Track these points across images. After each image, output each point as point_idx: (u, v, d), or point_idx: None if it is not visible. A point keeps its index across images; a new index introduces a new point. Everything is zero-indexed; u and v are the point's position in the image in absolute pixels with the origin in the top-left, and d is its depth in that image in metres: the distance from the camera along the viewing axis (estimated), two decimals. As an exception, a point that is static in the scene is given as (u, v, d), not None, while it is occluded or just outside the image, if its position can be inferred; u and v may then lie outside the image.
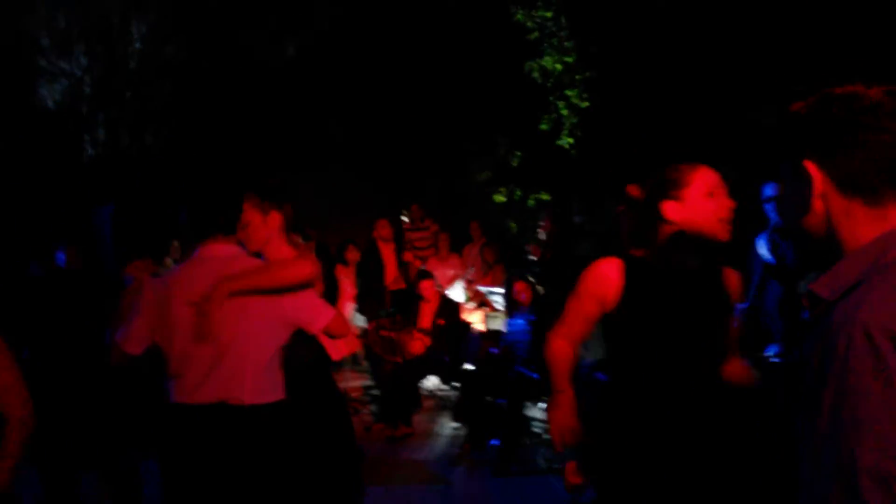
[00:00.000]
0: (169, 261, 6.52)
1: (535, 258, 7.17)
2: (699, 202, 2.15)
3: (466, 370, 6.02)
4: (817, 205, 1.16)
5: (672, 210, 2.16)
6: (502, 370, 5.67)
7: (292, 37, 11.52)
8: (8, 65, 9.86)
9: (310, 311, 2.68)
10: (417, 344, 6.43)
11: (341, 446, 3.34)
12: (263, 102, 10.65)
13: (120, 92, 11.20)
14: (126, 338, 2.52)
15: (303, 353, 2.79)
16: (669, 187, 2.19)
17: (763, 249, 5.00)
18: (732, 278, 2.30)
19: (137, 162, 10.95)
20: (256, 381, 2.50)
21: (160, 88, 11.29)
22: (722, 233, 2.15)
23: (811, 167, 1.14)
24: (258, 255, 2.92)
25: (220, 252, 2.53)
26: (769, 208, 5.02)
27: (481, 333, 6.85)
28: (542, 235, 7.14)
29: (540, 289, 6.16)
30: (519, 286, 5.93)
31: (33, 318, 3.66)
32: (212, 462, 2.49)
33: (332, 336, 2.94)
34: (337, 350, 3.63)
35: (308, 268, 2.66)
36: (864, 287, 1.06)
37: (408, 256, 8.86)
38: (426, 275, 6.92)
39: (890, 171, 1.12)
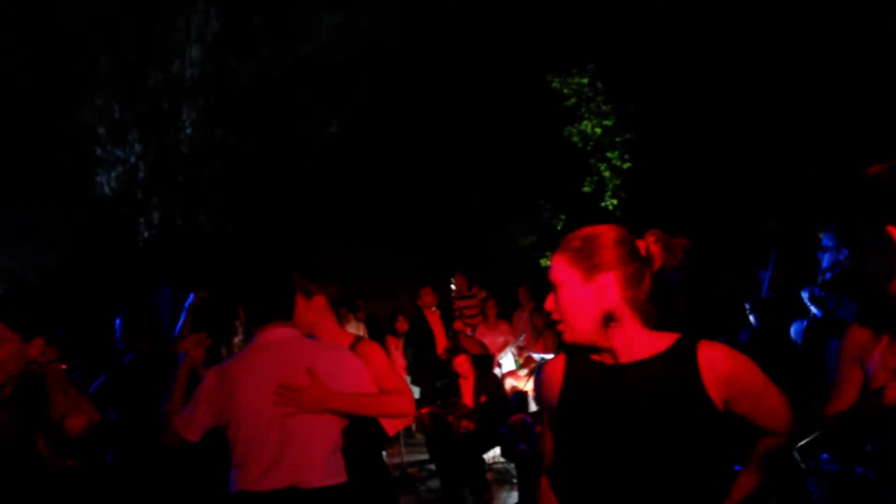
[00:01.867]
0: (236, 339, 6.61)
1: None
2: None
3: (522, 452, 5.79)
4: None
5: None
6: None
7: (334, 114, 11.87)
8: (68, 155, 10.33)
9: (369, 383, 2.71)
10: (461, 430, 6.33)
11: None
12: (309, 179, 10.93)
13: (172, 175, 11.61)
14: (186, 424, 2.55)
15: (360, 433, 2.78)
16: None
17: (808, 301, 4.90)
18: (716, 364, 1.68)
19: (191, 241, 11.25)
20: (324, 464, 2.51)
21: (211, 170, 11.67)
22: None
23: (894, 231, 1.13)
24: (309, 336, 2.96)
25: (279, 336, 2.58)
26: (824, 256, 4.94)
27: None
28: None
29: None
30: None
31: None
32: None
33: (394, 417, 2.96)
34: (393, 426, 3.63)
35: (408, 405, 2.76)
36: None
37: (458, 325, 8.86)
38: (457, 350, 6.75)
39: None
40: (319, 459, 2.50)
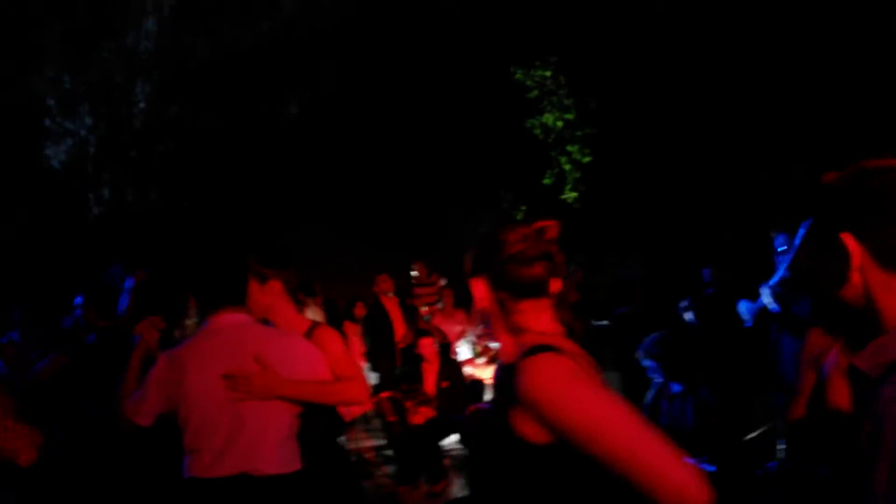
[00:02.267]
0: (189, 322, 6.52)
1: None
2: None
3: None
4: (855, 278, 1.17)
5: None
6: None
7: (295, 95, 11.72)
8: (15, 125, 9.98)
9: (324, 370, 2.69)
10: (419, 417, 6.37)
11: None
12: (267, 160, 10.78)
13: (124, 151, 11.31)
14: (137, 410, 2.53)
15: (314, 420, 2.76)
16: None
17: (768, 298, 5.05)
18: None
19: (142, 219, 11.00)
20: (277, 451, 2.49)
21: (164, 147, 11.41)
22: None
23: (849, 240, 1.15)
24: (265, 321, 2.92)
25: (231, 321, 2.55)
26: (779, 260, 5.09)
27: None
28: None
29: None
30: None
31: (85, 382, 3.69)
32: None
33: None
34: (349, 412, 3.63)
35: (362, 392, 2.76)
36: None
37: (423, 311, 8.87)
38: (423, 333, 6.80)
39: None
40: (272, 446, 2.48)
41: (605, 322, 6.84)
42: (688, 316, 5.64)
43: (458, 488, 6.24)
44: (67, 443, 3.91)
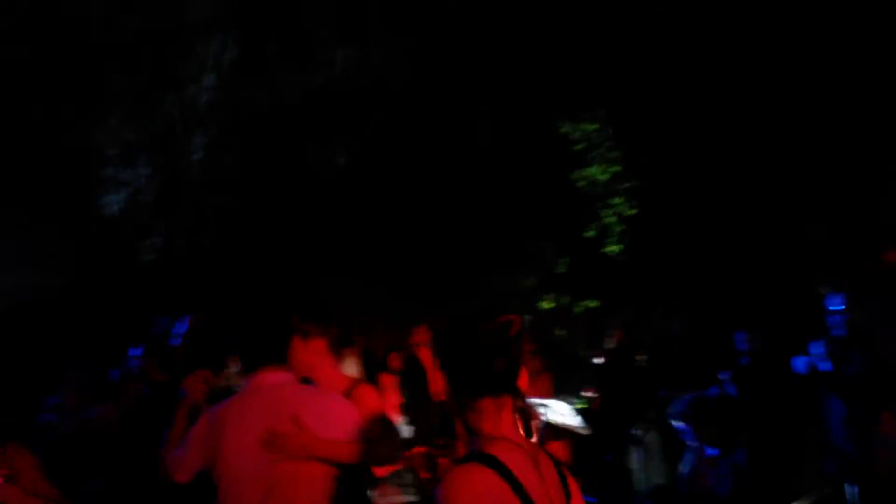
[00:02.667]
0: (231, 371, 6.54)
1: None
2: None
3: None
4: None
5: None
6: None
7: (343, 146, 11.92)
8: (76, 174, 10.38)
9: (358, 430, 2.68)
10: None
11: None
12: (314, 209, 10.94)
13: (179, 200, 11.64)
14: (177, 466, 2.55)
15: (344, 476, 2.73)
16: None
17: (819, 358, 4.84)
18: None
19: (191, 266, 11.24)
20: None
21: (217, 197, 11.70)
22: None
23: None
24: (307, 380, 2.92)
25: (272, 381, 2.57)
26: (832, 321, 4.87)
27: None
28: (610, 344, 7.01)
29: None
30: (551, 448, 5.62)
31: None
32: None
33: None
34: (382, 468, 3.56)
35: (394, 455, 2.86)
36: None
37: None
38: None
39: None
40: None
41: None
42: (730, 389, 5.42)
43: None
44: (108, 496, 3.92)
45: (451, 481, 1.50)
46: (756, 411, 5.05)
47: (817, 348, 4.85)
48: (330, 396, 2.74)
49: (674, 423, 5.35)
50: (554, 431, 5.57)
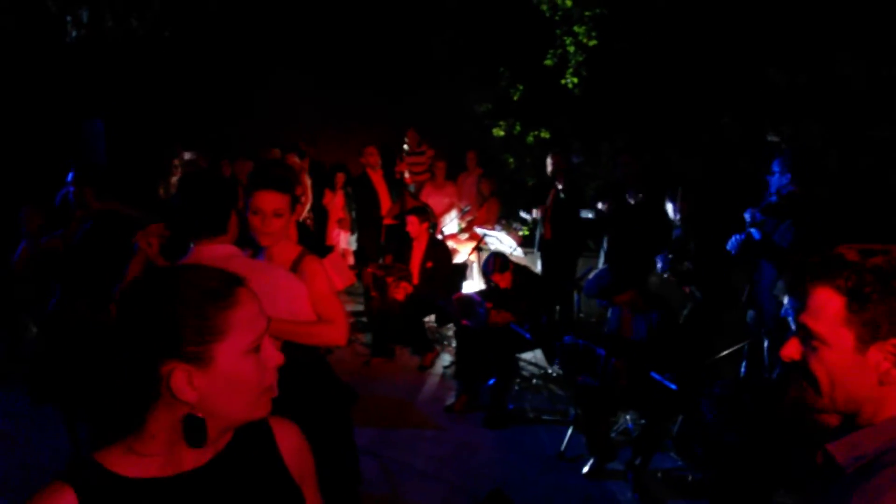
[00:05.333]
0: (174, 180, 6.44)
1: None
2: None
3: (462, 327, 5.97)
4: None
5: None
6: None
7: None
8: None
9: (305, 308, 2.66)
10: (399, 292, 6.49)
11: (334, 439, 3.29)
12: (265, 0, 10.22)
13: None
14: None
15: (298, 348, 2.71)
16: None
17: (748, 222, 5.12)
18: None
19: (122, 46, 10.48)
20: None
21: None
22: None
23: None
24: (257, 247, 2.87)
25: (213, 253, 2.52)
26: (772, 180, 5.13)
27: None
28: (548, 169, 7.14)
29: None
30: (496, 277, 5.81)
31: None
32: None
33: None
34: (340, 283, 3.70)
35: (341, 335, 2.70)
36: (876, 483, 1.10)
37: (401, 167, 8.81)
38: (412, 211, 6.77)
39: None
40: None
41: (590, 215, 6.93)
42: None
43: (434, 367, 6.55)
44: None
45: None
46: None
47: (747, 216, 5.11)
48: (276, 271, 2.65)
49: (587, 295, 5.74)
50: (499, 263, 5.90)
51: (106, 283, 3.12)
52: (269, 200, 2.75)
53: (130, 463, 1.16)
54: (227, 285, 1.20)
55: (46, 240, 4.22)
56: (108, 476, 1.15)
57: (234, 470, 1.27)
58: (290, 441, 1.39)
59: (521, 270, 5.97)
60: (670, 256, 5.45)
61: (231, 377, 1.16)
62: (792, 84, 7.35)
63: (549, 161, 7.21)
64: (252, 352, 1.19)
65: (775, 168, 5.12)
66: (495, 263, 5.82)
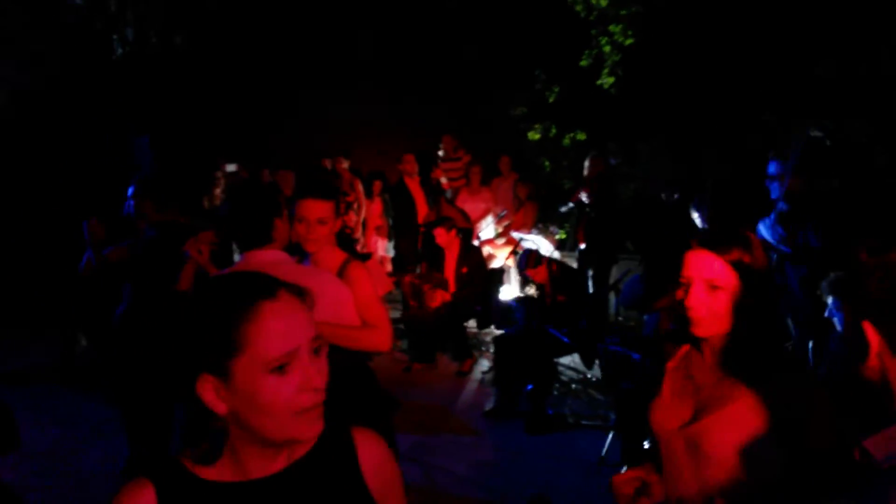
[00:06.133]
0: (218, 191, 6.60)
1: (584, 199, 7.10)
2: None
3: (500, 335, 6.00)
4: (873, 361, 1.24)
5: None
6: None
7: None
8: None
9: (350, 313, 2.71)
10: (436, 300, 6.54)
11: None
12: (299, 12, 10.38)
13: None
14: None
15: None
16: None
17: (768, 235, 4.93)
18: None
19: (166, 63, 10.76)
20: None
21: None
22: None
23: (868, 328, 1.23)
24: (303, 254, 2.93)
25: (262, 260, 2.56)
26: (772, 186, 4.96)
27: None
28: (584, 173, 7.11)
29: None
30: (529, 272, 5.85)
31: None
32: None
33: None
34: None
35: (385, 341, 2.75)
36: None
37: (437, 174, 8.87)
38: (437, 223, 6.77)
39: None
40: None
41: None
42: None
43: (473, 372, 6.58)
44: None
45: None
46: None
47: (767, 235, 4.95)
48: (323, 276, 2.69)
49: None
50: (533, 259, 5.90)
51: (169, 290, 3.25)
52: (313, 208, 2.80)
53: (209, 466, 1.20)
54: (249, 297, 1.14)
55: (111, 250, 4.37)
56: (187, 476, 1.20)
57: (309, 480, 1.26)
58: (372, 454, 1.35)
59: (556, 264, 6.01)
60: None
61: (251, 395, 1.12)
62: (837, 79, 7.19)
63: (586, 164, 7.18)
64: (276, 371, 1.12)
65: (773, 171, 4.94)
66: (529, 258, 5.86)
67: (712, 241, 1.67)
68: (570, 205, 7.27)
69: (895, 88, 6.72)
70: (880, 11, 6.88)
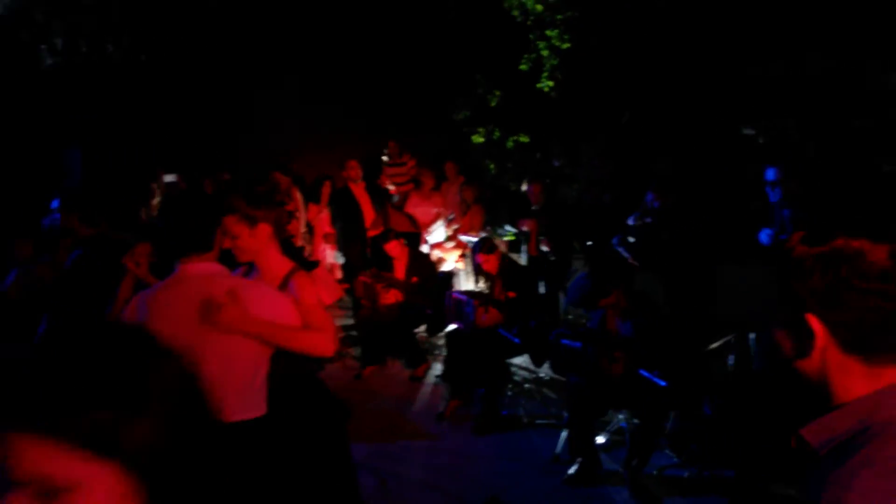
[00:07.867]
0: (155, 202, 6.44)
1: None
2: None
3: (452, 330, 6.05)
4: (815, 355, 1.22)
5: None
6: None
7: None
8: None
9: (291, 318, 2.69)
10: (390, 297, 6.53)
11: (331, 456, 3.36)
12: (236, 17, 10.22)
13: None
14: None
15: (293, 359, 2.77)
16: None
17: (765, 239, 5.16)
18: None
19: (98, 73, 10.45)
20: (240, 396, 2.53)
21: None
22: None
23: (814, 321, 1.20)
24: (251, 264, 2.97)
25: (199, 271, 2.54)
26: (771, 193, 5.14)
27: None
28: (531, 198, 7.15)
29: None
30: (481, 257, 5.91)
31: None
32: (196, 482, 2.55)
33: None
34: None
35: (329, 344, 2.74)
36: (850, 466, 1.11)
37: (383, 180, 8.82)
38: (388, 237, 6.83)
39: (889, 334, 1.18)
40: (234, 391, 2.50)
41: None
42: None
43: (426, 377, 6.56)
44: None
45: None
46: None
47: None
48: (263, 286, 2.73)
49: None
50: (487, 245, 5.97)
51: (99, 307, 3.15)
52: (224, 223, 2.82)
53: None
54: None
55: (33, 267, 4.22)
56: None
57: None
58: None
59: (507, 259, 6.09)
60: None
61: None
62: (765, 78, 7.43)
63: (527, 188, 7.17)
64: None
65: (771, 177, 5.10)
66: (483, 244, 5.91)
67: None
68: (522, 228, 7.32)
69: (820, 88, 6.98)
70: (807, 15, 7.14)
